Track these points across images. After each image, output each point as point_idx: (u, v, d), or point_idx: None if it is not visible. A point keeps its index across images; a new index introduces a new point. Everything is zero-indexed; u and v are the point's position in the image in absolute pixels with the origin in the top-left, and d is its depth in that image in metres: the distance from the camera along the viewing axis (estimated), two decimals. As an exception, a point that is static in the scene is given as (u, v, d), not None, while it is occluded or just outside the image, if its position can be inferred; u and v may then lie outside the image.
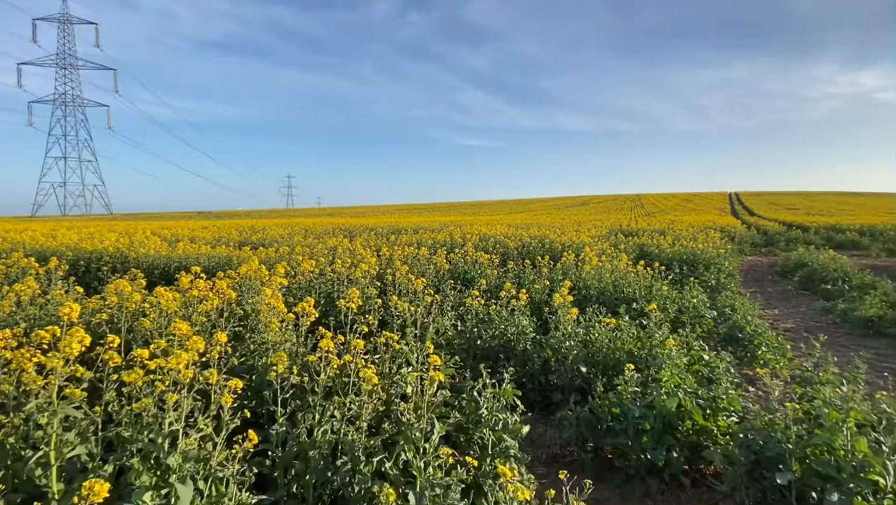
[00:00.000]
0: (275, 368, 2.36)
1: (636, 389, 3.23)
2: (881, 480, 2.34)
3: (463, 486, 2.17)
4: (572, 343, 4.03)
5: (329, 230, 16.76)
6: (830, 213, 38.51)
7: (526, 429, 2.80)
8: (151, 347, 2.22)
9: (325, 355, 2.44)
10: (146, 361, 2.06)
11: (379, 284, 5.39)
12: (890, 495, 2.33)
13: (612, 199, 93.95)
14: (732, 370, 3.96)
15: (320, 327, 2.94)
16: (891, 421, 2.75)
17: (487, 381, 2.92)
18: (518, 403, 3.04)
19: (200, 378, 2.04)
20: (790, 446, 2.50)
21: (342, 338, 2.89)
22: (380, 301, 4.31)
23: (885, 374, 4.81)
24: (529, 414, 3.89)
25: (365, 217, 45.26)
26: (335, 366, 2.45)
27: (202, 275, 3.97)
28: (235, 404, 2.25)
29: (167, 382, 2.00)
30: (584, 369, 3.86)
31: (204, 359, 2.25)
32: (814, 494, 2.42)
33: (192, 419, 2.04)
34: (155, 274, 7.69)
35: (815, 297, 9.15)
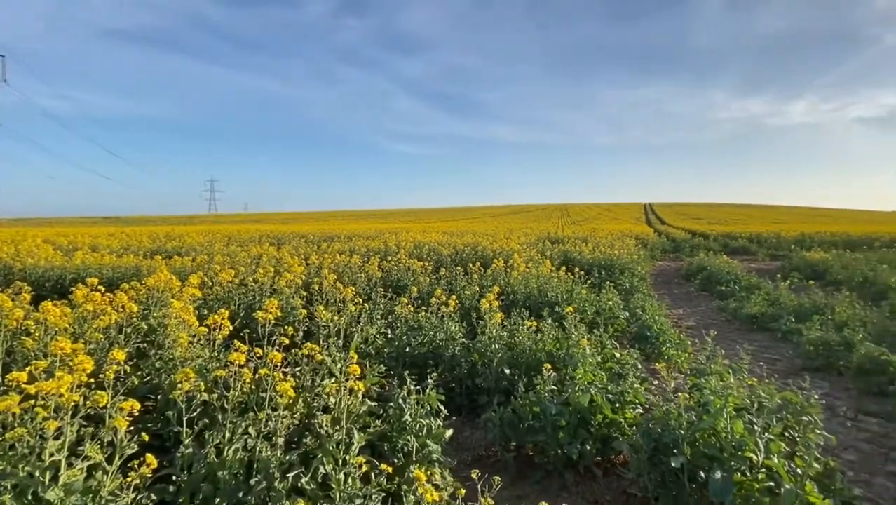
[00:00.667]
0: (180, 385, 2.20)
1: (553, 387, 3.42)
2: (754, 456, 2.68)
3: (384, 494, 2.17)
4: (497, 346, 4.18)
5: (255, 238, 15.88)
6: (727, 223, 43.67)
7: (449, 433, 2.85)
8: (30, 368, 1.97)
9: (236, 370, 2.32)
10: (24, 386, 1.83)
11: (305, 293, 5.21)
12: (762, 469, 2.68)
13: (542, 208, 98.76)
14: (640, 366, 4.33)
15: (236, 341, 2.79)
16: (762, 404, 3.17)
17: (412, 388, 2.94)
18: (442, 407, 3.09)
19: (89, 402, 1.85)
20: (682, 432, 2.78)
21: (259, 351, 2.76)
22: (305, 312, 4.18)
23: (762, 363, 5.53)
24: (456, 418, 3.96)
25: (296, 224, 43.48)
26: (248, 380, 2.34)
27: (100, 288, 3.60)
28: (132, 428, 2.06)
29: (50, 408, 1.79)
30: (508, 371, 4.01)
31: (97, 380, 2.04)
32: (702, 473, 2.71)
33: (81, 448, 1.84)
34: (46, 287, 6.85)
35: (713, 297, 10.29)
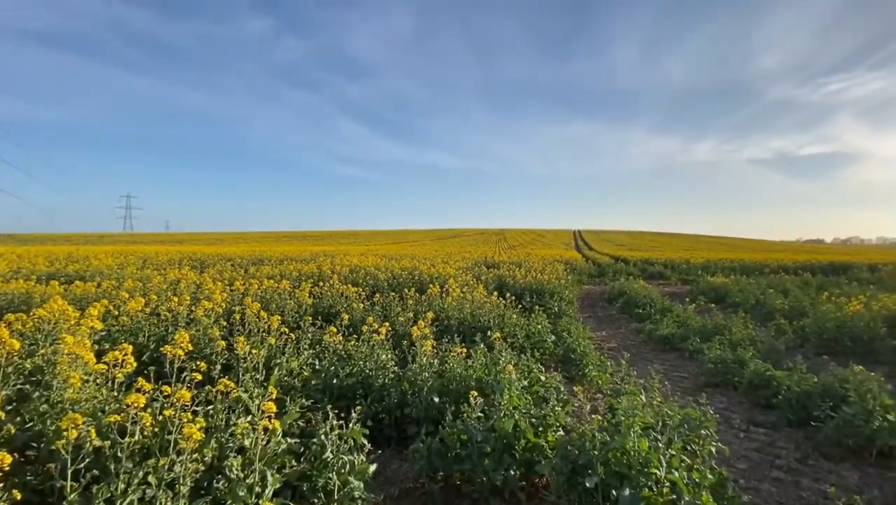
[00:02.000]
0: (66, 432, 1.98)
1: (481, 414, 3.49)
2: (658, 472, 2.89)
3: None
4: (428, 374, 4.19)
5: (175, 260, 14.69)
6: (646, 249, 47.63)
7: (373, 468, 2.79)
8: None
9: (135, 413, 2.14)
10: None
11: (226, 323, 4.91)
12: (666, 484, 2.90)
13: (481, 232, 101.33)
14: (562, 388, 4.55)
15: (140, 379, 2.56)
16: (666, 422, 3.46)
17: (334, 423, 2.86)
18: (366, 442, 3.03)
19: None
20: (596, 453, 2.95)
21: (168, 389, 2.56)
22: (223, 344, 3.93)
23: (670, 381, 6.04)
24: (385, 450, 3.88)
25: (223, 245, 40.85)
26: (148, 424, 2.16)
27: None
28: (3, 485, 1.81)
29: None
30: (437, 400, 4.03)
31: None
32: (614, 492, 2.88)
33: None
34: None
35: (633, 319, 11.09)
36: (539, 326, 7.10)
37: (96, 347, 3.80)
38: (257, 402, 2.88)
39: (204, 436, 2.24)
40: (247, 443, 2.50)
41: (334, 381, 4.22)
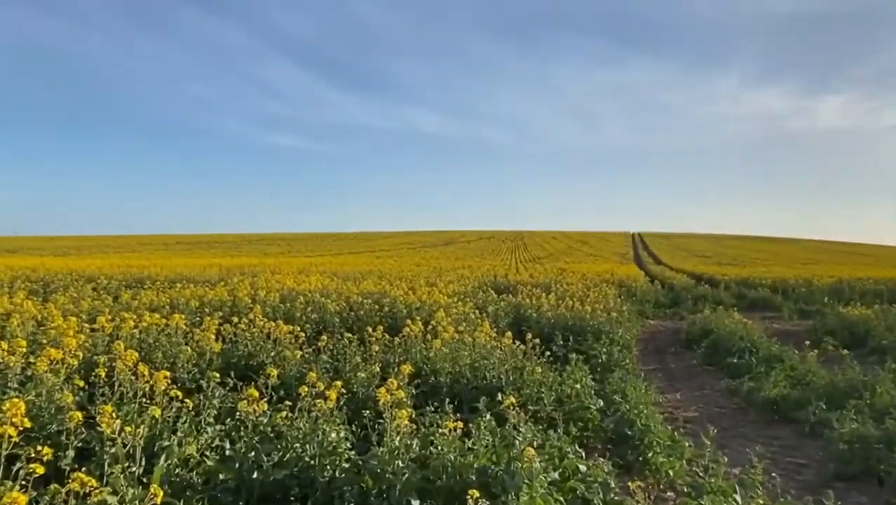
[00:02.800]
0: None
1: (485, 527, 3.49)
2: None
3: None
4: (403, 463, 4.19)
5: (2, 281, 14.54)
6: (743, 263, 48.04)
7: None
8: None
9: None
10: None
11: (84, 383, 4.87)
12: None
13: (489, 236, 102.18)
14: (613, 483, 4.57)
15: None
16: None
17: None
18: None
19: None
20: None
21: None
22: (80, 415, 3.90)
23: (781, 472, 6.07)
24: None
25: (81, 256, 40.52)
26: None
27: None
28: None
29: None
30: (417, 503, 4.02)
31: None
32: None
33: None
34: None
35: (722, 373, 11.17)
36: (577, 386, 7.12)
37: None
38: (132, 509, 2.86)
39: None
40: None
41: (255, 474, 4.19)
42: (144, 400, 4.47)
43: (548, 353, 8.39)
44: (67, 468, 3.84)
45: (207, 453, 4.33)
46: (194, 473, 4.13)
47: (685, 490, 5.20)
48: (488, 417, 5.14)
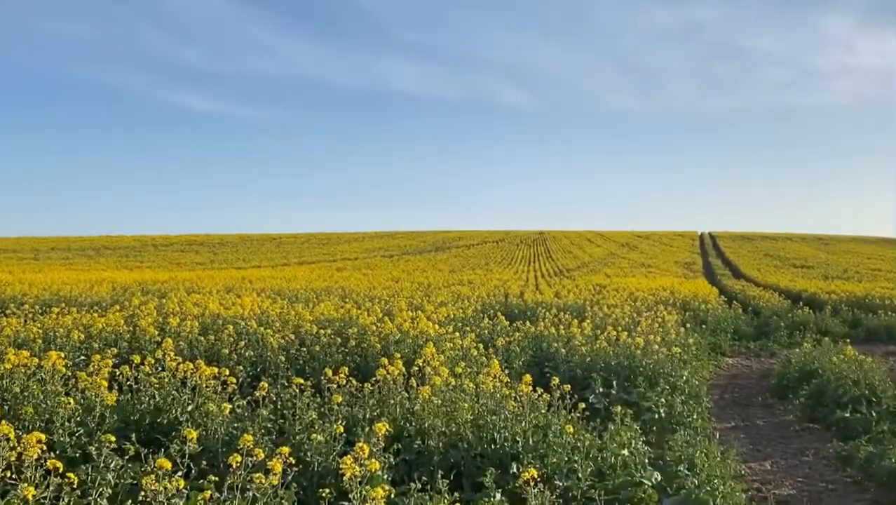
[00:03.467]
0: None
1: None
2: None
3: None
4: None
5: None
6: (859, 276, 47.74)
7: None
8: None
9: None
10: None
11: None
12: None
13: (497, 238, 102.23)
14: None
15: None
16: None
17: None
18: None
19: None
20: None
21: None
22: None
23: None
24: None
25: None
26: None
27: None
28: None
29: None
30: None
31: None
32: None
33: None
34: None
35: (829, 433, 11.17)
36: (625, 453, 7.11)
37: None
38: None
39: None
40: None
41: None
42: (9, 475, 4.44)
43: (582, 405, 8.35)
44: None
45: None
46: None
47: None
48: (498, 496, 5.14)
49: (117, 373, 7.76)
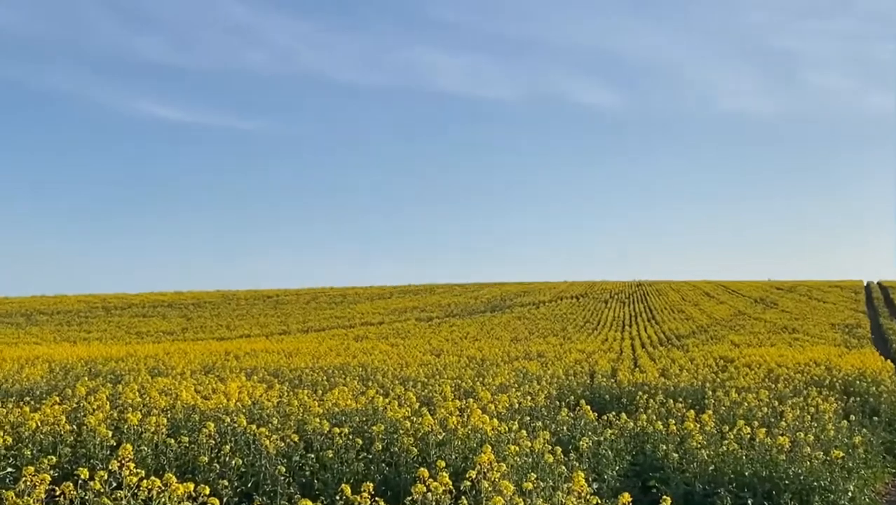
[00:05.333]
0: None
1: None
2: None
3: None
4: None
5: None
6: None
7: None
8: None
9: None
10: None
11: None
12: None
13: (576, 293, 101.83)
14: None
15: None
16: None
17: None
18: None
19: None
20: None
21: None
22: None
23: None
24: None
25: None
26: None
27: None
28: None
29: None
30: None
31: None
32: None
33: None
34: None
35: None
36: None
37: None
38: None
39: None
40: None
41: None
42: None
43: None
44: None
45: None
46: None
47: None
48: None
49: (57, 492, 7.81)
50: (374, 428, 11.91)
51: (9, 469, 9.69)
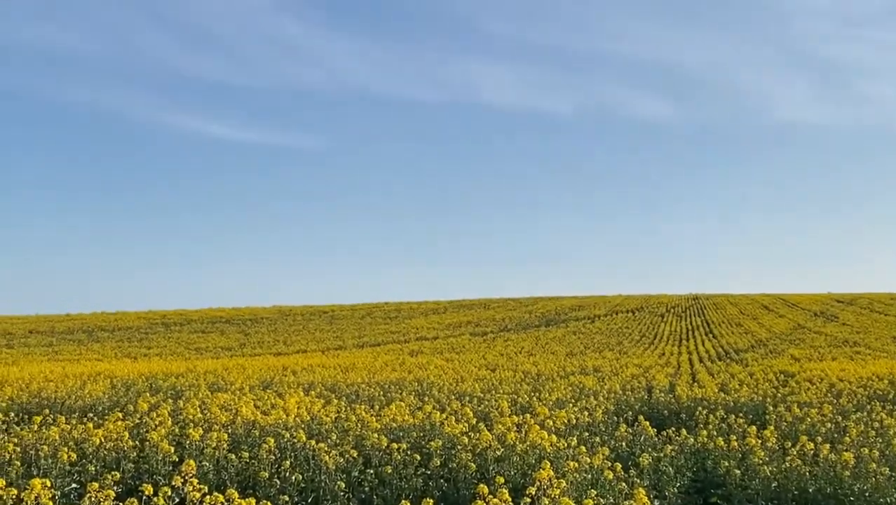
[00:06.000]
0: None
1: None
2: None
3: None
4: None
5: None
6: None
7: None
8: None
9: None
10: None
11: None
12: None
13: (634, 305, 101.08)
14: None
15: None
16: None
17: None
18: None
19: None
20: None
21: None
22: None
23: None
24: None
25: None
26: None
27: None
28: None
29: None
30: None
31: None
32: None
33: None
34: None
35: None
36: None
37: None
38: None
39: None
40: None
41: None
42: None
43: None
44: None
45: None
46: None
47: None
48: None
49: (122, 508, 7.87)
50: (431, 444, 11.93)
51: (74, 485, 9.81)
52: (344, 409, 15.95)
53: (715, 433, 14.06)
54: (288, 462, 11.08)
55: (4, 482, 7.93)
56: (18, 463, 10.50)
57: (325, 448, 11.49)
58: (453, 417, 13.79)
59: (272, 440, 11.84)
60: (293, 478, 10.64)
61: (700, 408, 18.41)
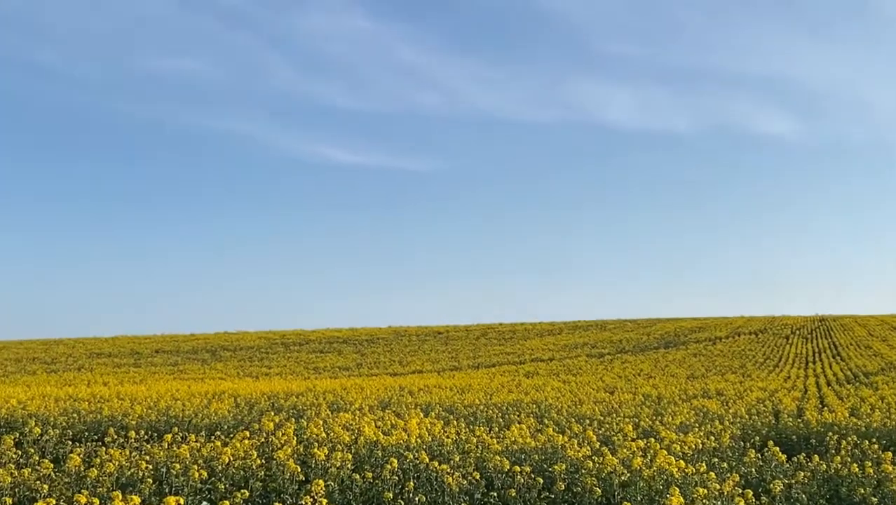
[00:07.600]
0: None
1: None
2: None
3: None
4: None
5: None
6: None
7: None
8: None
9: None
10: None
11: None
12: None
13: (757, 327, 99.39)
14: None
15: None
16: None
17: None
18: None
19: None
20: None
21: None
22: None
23: None
24: None
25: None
26: None
27: None
28: None
29: None
30: None
31: None
32: None
33: None
34: None
35: None
36: None
37: None
38: None
39: None
40: None
41: None
42: None
43: None
44: None
45: None
46: None
47: None
48: None
49: (251, 526, 8.01)
50: (555, 467, 11.88)
51: (204, 503, 10.01)
52: (463, 430, 15.97)
53: (849, 459, 13.74)
54: (411, 483, 11.15)
55: (139, 500, 8.13)
56: (150, 480, 10.76)
57: (448, 470, 11.54)
58: (575, 441, 13.70)
59: (395, 461, 11.92)
60: (417, 499, 10.69)
61: (830, 433, 18.00)
